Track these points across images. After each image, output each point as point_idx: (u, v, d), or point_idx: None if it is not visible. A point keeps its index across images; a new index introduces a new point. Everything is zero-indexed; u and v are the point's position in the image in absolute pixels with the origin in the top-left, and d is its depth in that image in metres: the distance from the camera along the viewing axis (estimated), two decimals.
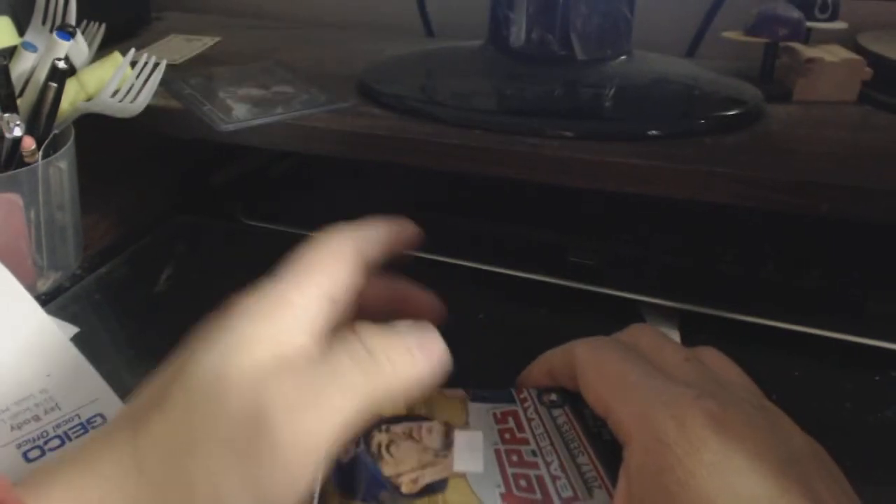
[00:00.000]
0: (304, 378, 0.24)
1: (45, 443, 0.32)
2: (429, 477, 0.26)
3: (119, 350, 0.41)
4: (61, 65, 0.42)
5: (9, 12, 0.48)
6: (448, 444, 0.27)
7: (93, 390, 0.34)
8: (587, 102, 0.50)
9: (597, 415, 0.27)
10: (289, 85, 0.54)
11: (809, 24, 0.54)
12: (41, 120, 0.43)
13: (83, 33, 0.51)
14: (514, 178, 0.45)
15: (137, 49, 0.48)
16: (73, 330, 0.41)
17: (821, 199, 0.41)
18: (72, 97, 0.46)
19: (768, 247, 0.51)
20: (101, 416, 0.33)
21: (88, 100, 0.47)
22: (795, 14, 0.53)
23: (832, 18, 0.54)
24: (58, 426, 0.32)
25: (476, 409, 0.29)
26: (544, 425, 0.28)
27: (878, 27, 0.59)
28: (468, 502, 0.25)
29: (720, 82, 0.54)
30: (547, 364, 0.31)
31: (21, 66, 0.45)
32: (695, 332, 0.42)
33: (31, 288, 0.40)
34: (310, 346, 0.25)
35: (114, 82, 0.46)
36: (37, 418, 0.33)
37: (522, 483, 0.26)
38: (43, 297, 0.44)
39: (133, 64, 0.48)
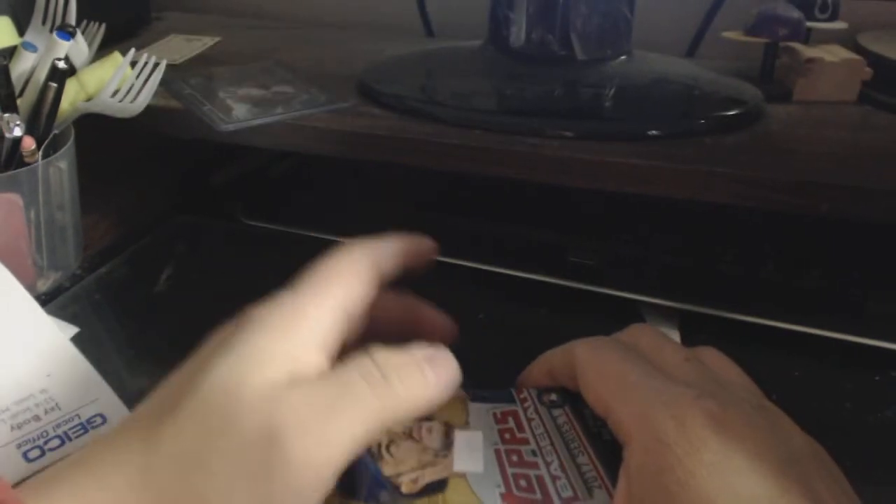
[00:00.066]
0: (316, 396, 0.24)
1: (45, 443, 0.32)
2: (429, 477, 0.26)
3: (119, 350, 0.41)
4: (61, 65, 0.42)
5: (9, 12, 0.48)
6: (448, 444, 0.27)
7: (93, 390, 0.34)
8: (587, 102, 0.50)
9: (597, 415, 0.27)
10: (289, 85, 0.54)
11: (809, 24, 0.54)
12: (41, 120, 0.43)
13: (83, 33, 0.51)
14: (514, 178, 0.45)
15: (137, 49, 0.48)
16: (73, 330, 0.41)
17: (821, 199, 0.41)
18: (72, 97, 0.46)
19: (768, 247, 0.51)
20: (101, 416, 0.33)
21: (88, 100, 0.47)
22: (795, 14, 0.53)
23: (832, 18, 0.54)
24: (58, 426, 0.32)
25: (476, 409, 0.29)
26: (544, 425, 0.28)
27: (878, 27, 0.59)
28: (468, 502, 0.25)
29: (720, 82, 0.54)
30: (547, 364, 0.31)
31: (21, 66, 0.45)
32: (695, 332, 0.42)
33: (31, 288, 0.40)
34: (323, 363, 0.26)
35: (114, 82, 0.46)
36: (37, 418, 0.33)
37: (522, 483, 0.26)
38: (43, 297, 0.44)
39: (133, 64, 0.48)
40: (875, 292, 0.46)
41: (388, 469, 0.26)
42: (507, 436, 0.28)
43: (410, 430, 0.28)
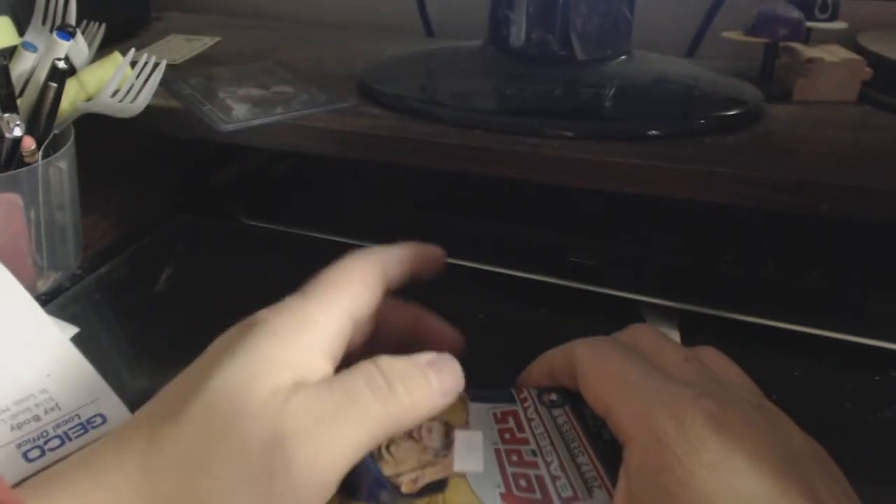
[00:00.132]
0: (321, 403, 0.24)
1: (45, 443, 0.32)
2: (429, 477, 0.26)
3: (119, 350, 0.41)
4: (61, 65, 0.42)
5: (9, 12, 0.48)
6: (448, 443, 0.27)
7: (93, 390, 0.34)
8: (587, 102, 0.50)
9: (597, 415, 0.27)
10: (289, 85, 0.54)
11: (809, 24, 0.54)
12: (41, 120, 0.43)
13: (83, 33, 0.51)
14: (514, 178, 0.45)
15: (137, 49, 0.48)
16: (73, 330, 0.41)
17: (821, 199, 0.41)
18: (72, 97, 0.46)
19: (768, 247, 0.51)
20: (101, 416, 0.33)
21: (88, 100, 0.47)
22: (795, 14, 0.53)
23: (832, 18, 0.54)
24: (58, 426, 0.32)
25: (476, 409, 0.29)
26: (544, 425, 0.28)
27: (878, 27, 0.59)
28: (468, 502, 0.25)
29: (720, 82, 0.54)
30: (547, 364, 0.31)
31: (21, 66, 0.45)
32: (695, 332, 0.42)
33: (31, 288, 0.40)
34: (328, 369, 0.26)
35: (114, 82, 0.46)
36: (37, 418, 0.33)
37: (522, 483, 0.26)
38: (43, 297, 0.44)
39: (133, 64, 0.48)
40: (875, 292, 0.46)
41: (388, 469, 0.26)
42: (507, 436, 0.28)
43: (410, 430, 0.28)
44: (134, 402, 0.34)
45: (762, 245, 0.52)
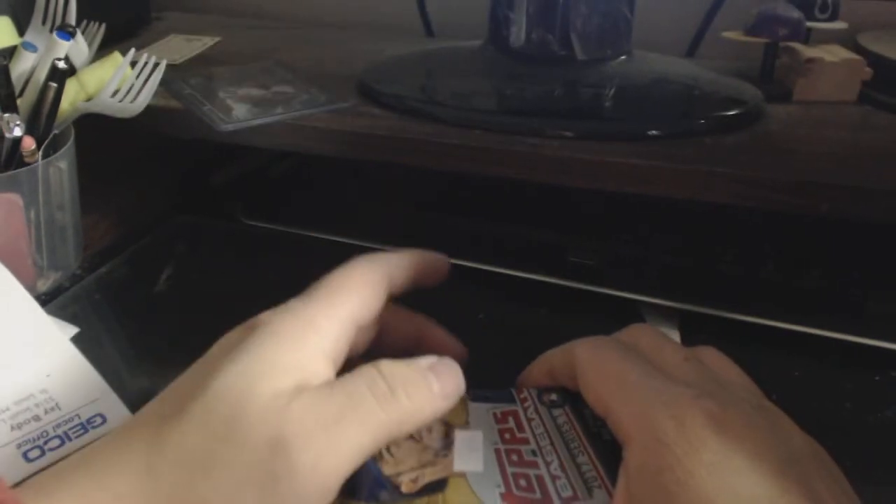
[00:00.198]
0: (323, 406, 0.24)
1: (45, 443, 0.32)
2: (429, 476, 0.26)
3: (119, 350, 0.41)
4: (61, 65, 0.42)
5: (9, 12, 0.48)
6: (448, 443, 0.27)
7: (93, 390, 0.34)
8: (587, 102, 0.50)
9: (597, 415, 0.27)
10: (289, 85, 0.54)
11: (809, 24, 0.54)
12: (41, 120, 0.43)
13: (83, 33, 0.51)
14: (514, 178, 0.45)
15: (137, 49, 0.48)
16: (73, 330, 0.41)
17: (821, 199, 0.41)
18: (72, 97, 0.46)
19: (768, 247, 0.51)
20: (101, 416, 0.33)
21: (88, 100, 0.47)
22: (795, 14, 0.53)
23: (832, 18, 0.54)
24: (58, 426, 0.32)
25: (476, 408, 0.29)
26: (544, 425, 0.28)
27: (878, 27, 0.59)
28: (468, 502, 0.25)
29: (720, 82, 0.54)
30: (547, 364, 0.31)
31: (21, 66, 0.45)
32: (695, 332, 0.42)
33: (31, 288, 0.40)
34: (330, 373, 0.26)
35: (114, 82, 0.46)
36: (37, 418, 0.33)
37: (522, 483, 0.26)
38: (43, 297, 0.44)
39: (133, 64, 0.48)
40: (875, 292, 0.46)
41: (388, 469, 0.26)
42: (507, 435, 0.28)
43: None
44: (134, 402, 0.34)
45: (762, 245, 0.52)
